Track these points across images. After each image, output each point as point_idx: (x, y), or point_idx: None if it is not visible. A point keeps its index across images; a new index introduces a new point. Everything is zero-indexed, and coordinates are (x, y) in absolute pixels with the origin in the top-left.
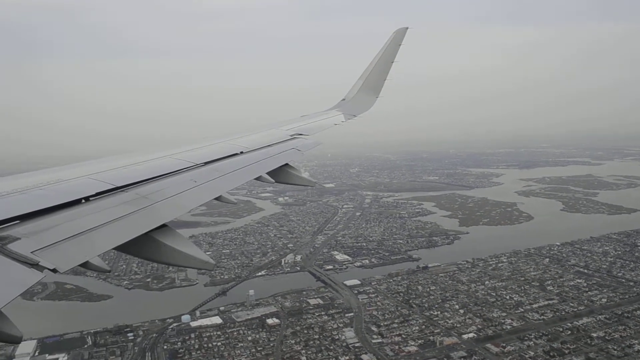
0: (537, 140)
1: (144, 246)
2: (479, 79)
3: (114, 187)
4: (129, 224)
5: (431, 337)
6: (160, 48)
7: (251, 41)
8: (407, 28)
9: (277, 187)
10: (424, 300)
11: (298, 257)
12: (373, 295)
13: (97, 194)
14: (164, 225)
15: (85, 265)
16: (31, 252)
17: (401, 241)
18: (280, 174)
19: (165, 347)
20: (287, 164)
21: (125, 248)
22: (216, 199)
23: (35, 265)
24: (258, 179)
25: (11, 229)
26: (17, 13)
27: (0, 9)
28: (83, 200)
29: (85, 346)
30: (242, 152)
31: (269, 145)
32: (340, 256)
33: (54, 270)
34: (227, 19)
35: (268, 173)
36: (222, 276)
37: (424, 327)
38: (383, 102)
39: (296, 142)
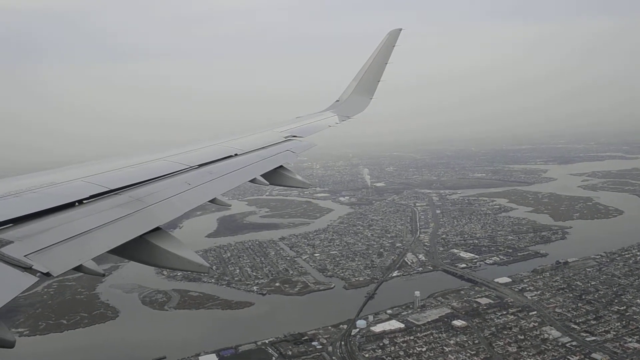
0: (538, 136)
1: (138, 249)
2: (479, 77)
3: (107, 190)
4: (123, 227)
5: None
6: (158, 51)
7: (249, 43)
8: (400, 29)
9: (330, 188)
10: (596, 296)
11: (421, 256)
12: (538, 293)
13: (91, 196)
14: (158, 228)
15: (79, 268)
16: (24, 256)
17: (511, 237)
18: (275, 176)
19: (366, 355)
20: (281, 166)
21: (119, 251)
22: (210, 201)
23: (28, 268)
24: (252, 181)
25: (4, 233)
26: (15, 19)
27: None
28: (77, 203)
29: (273, 359)
30: (236, 155)
31: (263, 148)
32: (464, 254)
33: (48, 274)
34: (226, 21)
35: (262, 175)
36: (356, 278)
37: (624, 322)
38: (379, 104)
39: (290, 144)
